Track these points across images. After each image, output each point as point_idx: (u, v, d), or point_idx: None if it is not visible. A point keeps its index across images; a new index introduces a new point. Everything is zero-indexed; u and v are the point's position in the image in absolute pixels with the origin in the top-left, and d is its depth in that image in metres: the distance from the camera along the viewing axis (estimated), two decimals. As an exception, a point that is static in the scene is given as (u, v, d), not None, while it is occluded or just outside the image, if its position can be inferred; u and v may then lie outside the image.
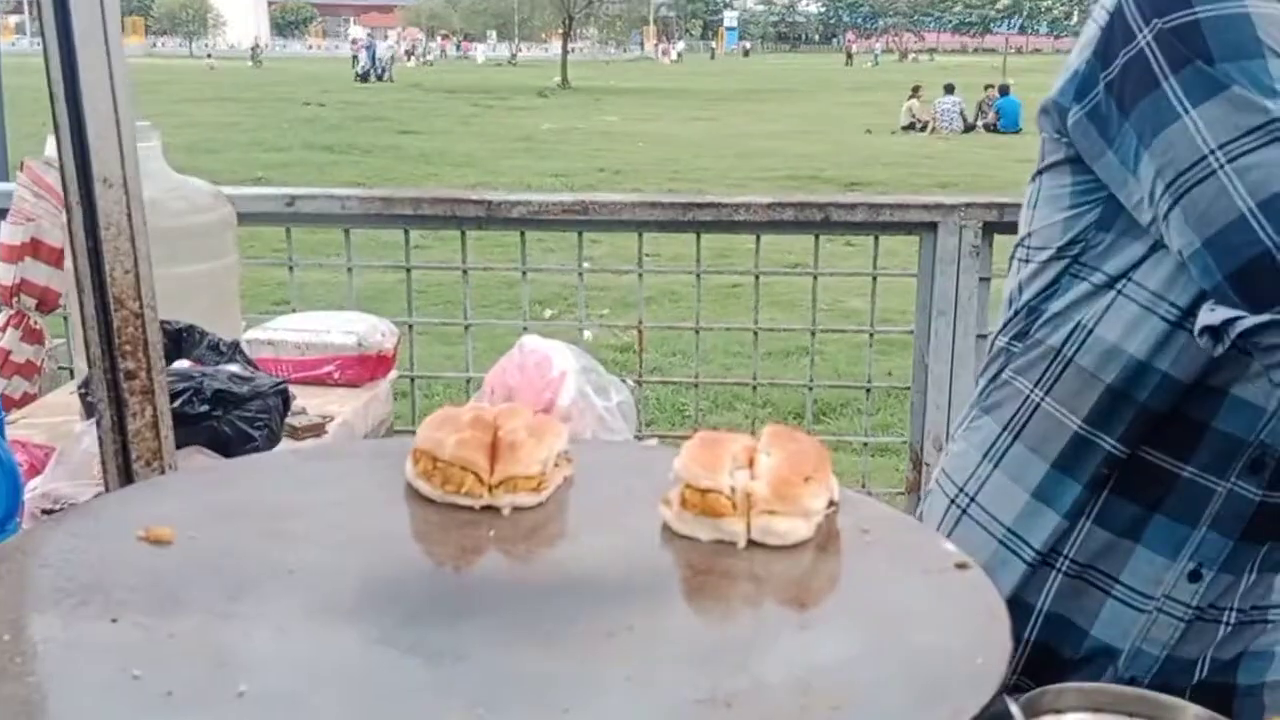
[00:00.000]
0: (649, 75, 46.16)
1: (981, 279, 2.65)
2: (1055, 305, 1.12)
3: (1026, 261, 1.16)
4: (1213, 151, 0.94)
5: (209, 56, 54.60)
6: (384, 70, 37.86)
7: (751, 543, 0.81)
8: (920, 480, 2.72)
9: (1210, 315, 0.96)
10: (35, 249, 2.30)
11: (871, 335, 2.89)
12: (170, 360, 1.69)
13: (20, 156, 2.49)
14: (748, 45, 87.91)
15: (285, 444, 1.68)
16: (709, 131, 20.86)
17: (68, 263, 1.66)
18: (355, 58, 39.36)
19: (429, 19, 74.88)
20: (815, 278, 2.87)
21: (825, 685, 0.65)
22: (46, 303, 2.36)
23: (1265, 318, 0.92)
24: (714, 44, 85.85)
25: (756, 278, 2.87)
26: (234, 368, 1.70)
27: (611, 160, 16.26)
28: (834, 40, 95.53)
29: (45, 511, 1.36)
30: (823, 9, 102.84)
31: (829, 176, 14.60)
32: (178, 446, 1.16)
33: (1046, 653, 1.14)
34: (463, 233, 2.80)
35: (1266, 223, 0.91)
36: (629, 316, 3.26)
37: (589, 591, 0.76)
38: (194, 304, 1.88)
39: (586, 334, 3.60)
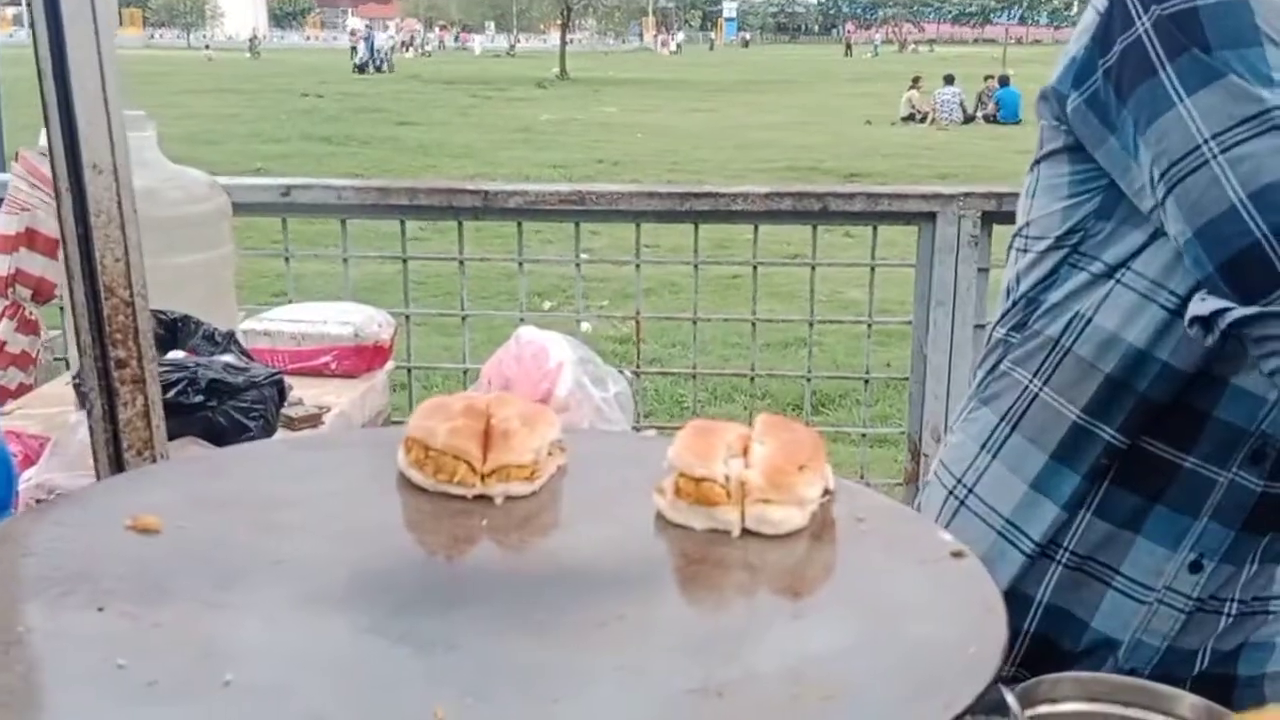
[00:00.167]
0: (648, 66, 46.10)
1: (980, 269, 2.64)
2: (1054, 295, 1.11)
3: (1024, 251, 1.15)
4: (1206, 141, 0.93)
5: (207, 48, 54.53)
6: (382, 61, 37.80)
7: (746, 532, 0.80)
8: (919, 471, 2.72)
9: (1200, 305, 0.95)
10: (30, 239, 2.29)
11: (870, 326, 2.88)
12: (165, 350, 1.68)
13: (17, 147, 2.48)
14: (747, 36, 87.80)
15: (281, 434, 1.67)
16: (708, 123, 20.84)
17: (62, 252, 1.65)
18: (354, 49, 39.29)
19: (427, 10, 74.86)
20: (814, 268, 2.86)
21: (818, 675, 0.64)
22: (42, 293, 2.35)
23: (1254, 310, 0.91)
24: (713, 35, 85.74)
25: (755, 268, 2.86)
26: (229, 358, 1.69)
27: (610, 151, 16.24)
28: (833, 31, 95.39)
29: (40, 502, 1.35)
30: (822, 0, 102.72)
31: (828, 167, 14.58)
32: (172, 437, 1.16)
33: (1046, 645, 1.13)
34: (459, 223, 2.79)
35: (1257, 214, 0.90)
36: (627, 307, 3.25)
37: (582, 581, 0.75)
38: (189, 294, 1.88)
39: (585, 325, 3.59)
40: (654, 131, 19.10)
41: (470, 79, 32.57)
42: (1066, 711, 0.81)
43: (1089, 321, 1.08)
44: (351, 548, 0.79)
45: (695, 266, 2.86)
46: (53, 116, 0.99)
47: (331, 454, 0.99)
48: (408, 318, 2.83)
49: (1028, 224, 1.15)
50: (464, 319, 2.92)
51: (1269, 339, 0.92)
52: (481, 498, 0.85)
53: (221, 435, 1.53)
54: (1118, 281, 1.06)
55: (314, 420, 1.81)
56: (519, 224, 2.82)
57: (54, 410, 1.82)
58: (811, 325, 2.93)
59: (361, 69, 36.38)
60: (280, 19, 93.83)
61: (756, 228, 2.79)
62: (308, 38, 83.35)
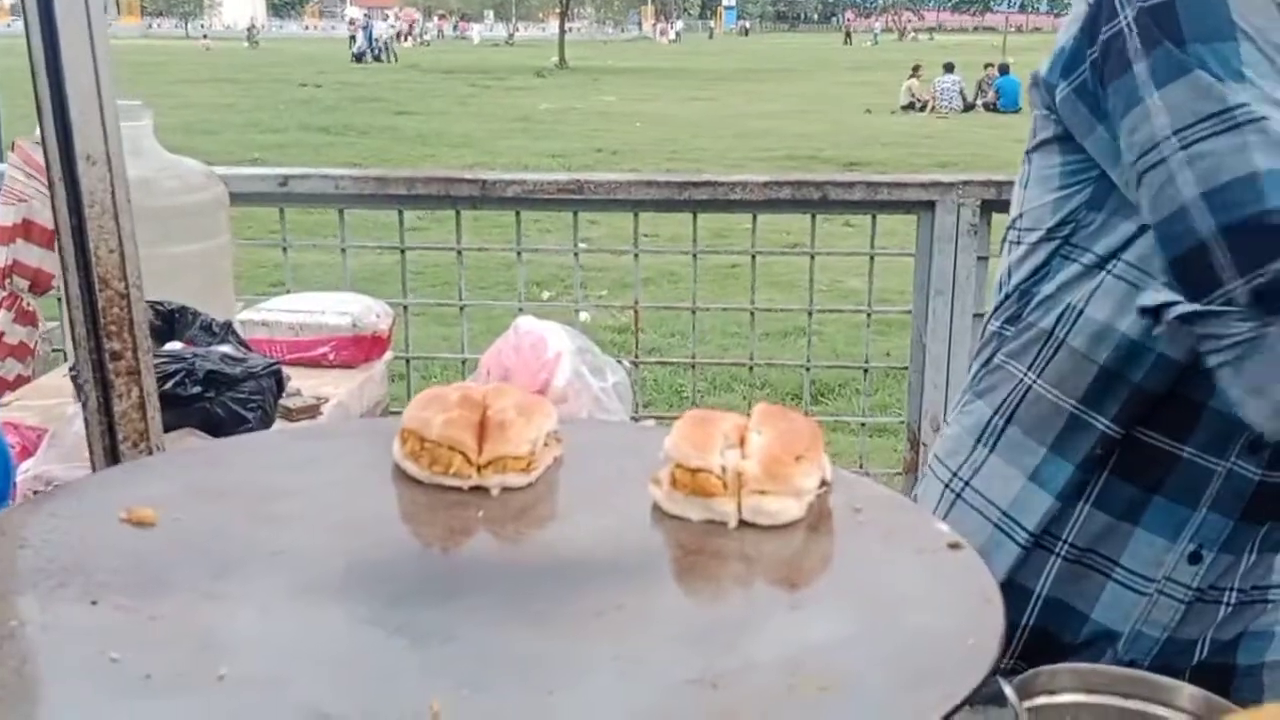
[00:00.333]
0: (647, 55, 46.00)
1: (979, 258, 2.64)
2: (1046, 288, 1.11)
3: (1017, 244, 1.15)
4: (1168, 137, 0.93)
5: (205, 37, 54.35)
6: (380, 50, 37.69)
7: (742, 522, 0.80)
8: (918, 460, 2.72)
9: (1149, 296, 0.97)
10: (27, 230, 2.29)
11: (869, 315, 2.88)
12: (163, 341, 1.68)
13: (14, 137, 2.47)
14: (746, 24, 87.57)
15: (279, 425, 1.67)
16: (707, 111, 20.79)
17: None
18: (352, 38, 39.19)
19: (426, -2, 74.64)
20: (813, 257, 2.86)
21: (815, 666, 0.64)
22: (39, 284, 2.34)
23: (1197, 307, 0.92)
24: (712, 23, 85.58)
25: (754, 258, 2.86)
26: (227, 349, 1.69)
27: (609, 140, 16.21)
28: (833, 19, 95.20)
29: (37, 494, 1.35)
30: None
31: (828, 156, 14.56)
32: (170, 428, 1.16)
33: (1045, 637, 1.13)
34: (457, 213, 2.79)
35: (1209, 213, 0.91)
36: (626, 297, 3.25)
37: (579, 572, 0.75)
38: (186, 284, 1.88)
39: (583, 315, 3.59)
40: (653, 120, 19.06)
41: (469, 68, 32.50)
42: (1064, 703, 0.81)
43: (1081, 313, 1.07)
44: (349, 539, 0.78)
45: (694, 256, 2.85)
46: (46, 108, 0.99)
47: (329, 444, 0.99)
48: (406, 308, 2.83)
49: (1020, 215, 1.15)
50: (462, 309, 2.92)
51: (1210, 336, 0.92)
52: (478, 489, 0.85)
53: (219, 426, 1.53)
54: (1109, 273, 1.06)
55: (312, 411, 1.81)
56: (517, 213, 2.82)
57: (52, 402, 1.82)
58: (811, 314, 2.93)
59: (359, 58, 36.27)
60: (278, 8, 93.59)
61: (755, 217, 2.79)
62: (306, 27, 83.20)
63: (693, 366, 3.17)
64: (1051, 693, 0.81)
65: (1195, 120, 0.92)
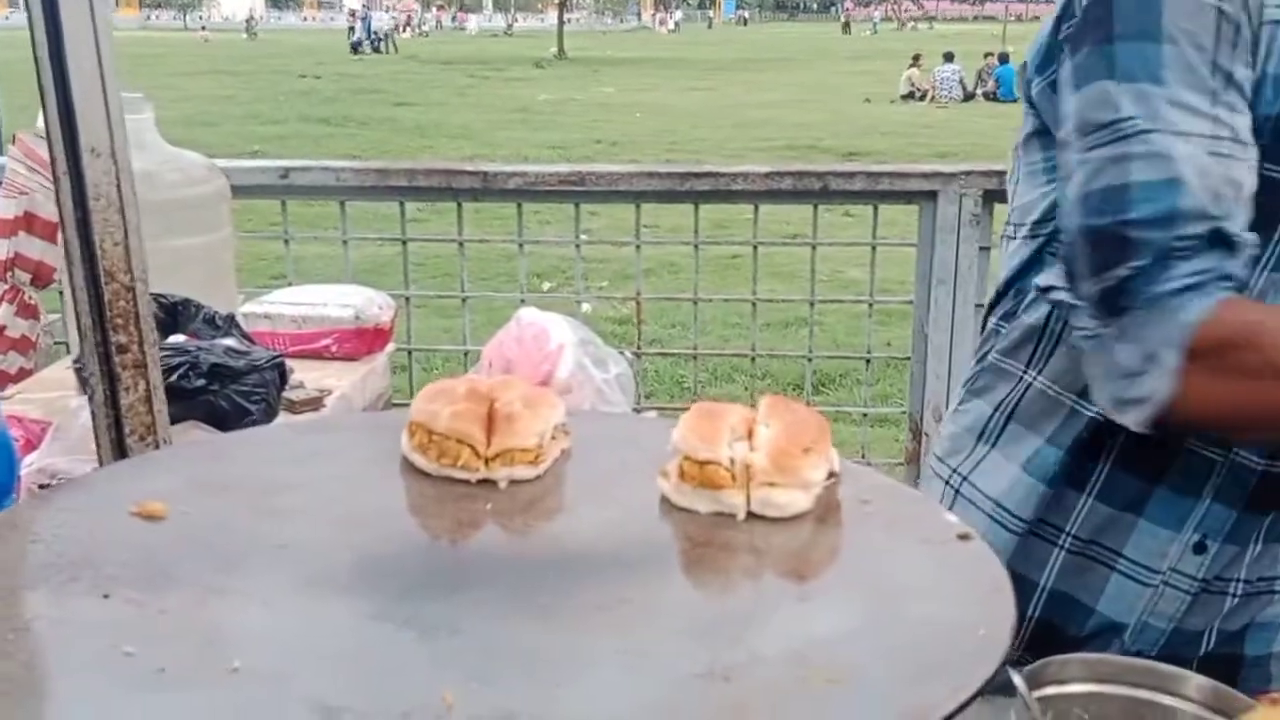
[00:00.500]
0: (646, 45, 45.91)
1: (981, 248, 2.63)
2: (1037, 282, 1.11)
3: (1012, 238, 1.16)
4: (1067, 139, 0.99)
5: (203, 29, 54.28)
6: (379, 41, 37.60)
7: (751, 515, 0.80)
8: (920, 450, 2.72)
9: (1043, 276, 1.04)
10: (29, 223, 2.28)
11: (871, 305, 2.88)
12: (166, 334, 1.68)
13: (14, 129, 2.46)
14: (745, 14, 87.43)
15: (282, 418, 1.67)
16: (706, 102, 20.76)
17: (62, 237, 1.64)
18: (351, 29, 39.10)
19: (425, -11, 74.42)
20: (814, 248, 2.85)
21: (824, 658, 0.64)
22: (41, 277, 2.34)
23: (1067, 296, 0.99)
24: (711, 13, 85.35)
25: (755, 248, 2.85)
26: (230, 341, 1.69)
27: (609, 131, 16.19)
28: (832, 9, 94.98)
29: (42, 487, 1.35)
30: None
31: (827, 146, 14.54)
32: (174, 421, 1.15)
33: (1050, 630, 1.13)
34: (459, 204, 2.78)
35: (1081, 214, 0.96)
36: (627, 288, 3.25)
37: (586, 565, 0.75)
38: (189, 277, 1.87)
39: (585, 306, 3.58)
40: (652, 111, 19.03)
41: (468, 59, 32.43)
42: (1074, 693, 0.82)
43: None
44: (355, 532, 0.78)
45: (695, 247, 2.85)
46: (50, 100, 0.98)
47: (333, 437, 0.99)
48: (408, 300, 2.82)
49: (1013, 210, 1.17)
50: (464, 300, 2.92)
51: (1074, 324, 1.00)
52: (485, 481, 0.85)
53: (223, 419, 1.52)
54: None
55: (315, 403, 1.81)
56: (518, 205, 2.81)
57: (54, 395, 1.81)
58: (812, 305, 2.93)
59: (357, 49, 36.18)
60: (276, 0, 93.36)
61: (756, 207, 2.78)
62: (305, 19, 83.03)
63: (694, 357, 3.17)
64: (1061, 683, 0.81)
65: (1091, 129, 0.96)
